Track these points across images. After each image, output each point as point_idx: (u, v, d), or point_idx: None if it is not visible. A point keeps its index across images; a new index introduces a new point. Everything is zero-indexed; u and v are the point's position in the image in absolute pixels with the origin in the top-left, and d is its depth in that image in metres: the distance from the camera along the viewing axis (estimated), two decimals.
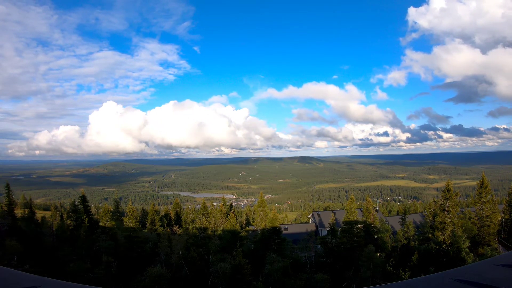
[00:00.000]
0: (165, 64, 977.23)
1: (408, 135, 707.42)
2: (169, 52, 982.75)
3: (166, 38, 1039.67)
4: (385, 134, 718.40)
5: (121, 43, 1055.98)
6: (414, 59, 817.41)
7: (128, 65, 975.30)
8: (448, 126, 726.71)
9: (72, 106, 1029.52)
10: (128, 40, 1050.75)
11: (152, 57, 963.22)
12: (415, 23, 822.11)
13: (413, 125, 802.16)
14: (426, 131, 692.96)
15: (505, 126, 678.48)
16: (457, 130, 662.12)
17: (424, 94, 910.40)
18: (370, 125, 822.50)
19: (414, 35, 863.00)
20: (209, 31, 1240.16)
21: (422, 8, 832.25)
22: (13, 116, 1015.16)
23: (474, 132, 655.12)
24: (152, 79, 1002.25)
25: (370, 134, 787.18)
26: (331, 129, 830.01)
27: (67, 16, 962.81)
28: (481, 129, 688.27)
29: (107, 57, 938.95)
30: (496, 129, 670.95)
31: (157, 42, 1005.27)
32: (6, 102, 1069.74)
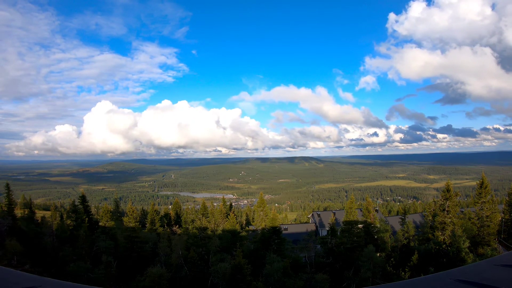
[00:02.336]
0: (164, 67, 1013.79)
1: (401, 135, 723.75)
2: (168, 56, 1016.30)
3: (165, 42, 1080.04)
4: (375, 134, 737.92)
5: (121, 47, 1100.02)
6: (394, 61, 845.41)
7: (128, 68, 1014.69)
8: (437, 127, 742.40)
9: (73, 107, 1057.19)
10: (128, 44, 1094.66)
11: (152, 60, 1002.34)
12: (395, 31, 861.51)
13: (406, 126, 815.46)
14: (415, 131, 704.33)
15: (496, 126, 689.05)
16: (447, 130, 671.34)
17: (411, 96, 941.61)
18: (363, 127, 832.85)
19: (393, 40, 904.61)
20: (206, 35, 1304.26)
21: (402, 16, 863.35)
22: (14, 117, 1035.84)
23: (466, 133, 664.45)
24: (152, 81, 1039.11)
25: (360, 135, 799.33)
26: (324, 130, 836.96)
27: (69, 22, 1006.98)
28: (474, 129, 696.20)
29: (107, 60, 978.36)
30: (486, 129, 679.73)
31: (156, 46, 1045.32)
32: (8, 103, 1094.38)
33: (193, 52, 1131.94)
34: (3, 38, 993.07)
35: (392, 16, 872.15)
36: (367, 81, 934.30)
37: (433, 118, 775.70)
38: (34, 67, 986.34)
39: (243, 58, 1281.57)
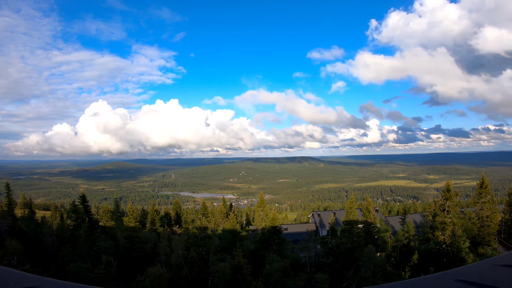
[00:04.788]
0: (164, 69, 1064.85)
1: (394, 136, 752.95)
2: (167, 59, 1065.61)
3: (163, 45, 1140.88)
4: (364, 135, 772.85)
5: (121, 50, 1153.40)
6: (377, 64, 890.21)
7: (128, 70, 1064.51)
8: (425, 128, 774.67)
9: (74, 108, 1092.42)
10: (128, 47, 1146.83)
11: (151, 63, 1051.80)
12: (374, 39, 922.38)
13: (395, 127, 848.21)
14: (406, 132, 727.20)
15: (486, 126, 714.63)
16: (436, 131, 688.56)
17: (398, 97, 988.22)
18: (355, 129, 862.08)
19: (371, 46, 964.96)
20: (202, 38, 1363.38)
21: (382, 23, 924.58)
22: (15, 117, 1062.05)
23: (457, 133, 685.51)
24: (152, 83, 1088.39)
25: (351, 136, 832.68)
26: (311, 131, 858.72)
27: (70, 28, 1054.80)
28: (465, 129, 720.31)
29: (107, 62, 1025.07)
30: (476, 130, 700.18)
31: (155, 50, 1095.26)
32: (10, 104, 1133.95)
33: (192, 55, 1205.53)
34: (7, 43, 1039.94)
35: (373, 22, 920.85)
36: (349, 84, 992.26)
37: (418, 119, 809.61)
38: (36, 70, 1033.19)
39: (241, 59, 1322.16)
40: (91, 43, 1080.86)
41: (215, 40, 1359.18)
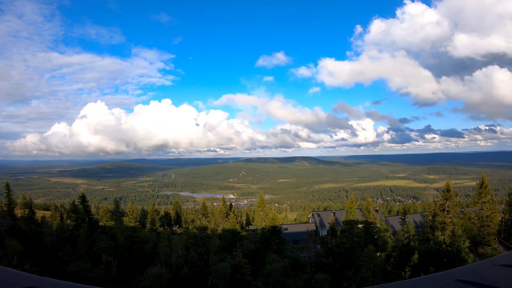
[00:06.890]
0: (163, 72, 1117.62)
1: (388, 136, 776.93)
2: (166, 61, 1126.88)
3: (162, 48, 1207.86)
4: (354, 135, 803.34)
5: (121, 53, 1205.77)
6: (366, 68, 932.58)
7: (128, 72, 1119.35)
8: (414, 128, 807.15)
9: (74, 109, 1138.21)
10: (128, 50, 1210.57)
11: (151, 66, 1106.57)
12: (358, 47, 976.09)
13: (387, 127, 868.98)
14: (397, 132, 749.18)
15: (480, 127, 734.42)
16: (428, 131, 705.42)
17: (388, 99, 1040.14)
18: (349, 130, 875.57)
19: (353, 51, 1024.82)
20: (199, 42, 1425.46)
21: (367, 28, 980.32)
22: (16, 118, 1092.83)
23: (451, 133, 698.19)
24: (151, 84, 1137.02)
25: (343, 136, 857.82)
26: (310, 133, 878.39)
27: (71, 33, 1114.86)
28: (457, 129, 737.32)
29: (107, 65, 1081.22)
30: (468, 130, 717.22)
31: (154, 52, 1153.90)
32: (11, 105, 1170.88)
33: (190, 58, 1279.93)
34: (10, 47, 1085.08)
35: (358, 28, 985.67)
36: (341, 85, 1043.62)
37: (404, 120, 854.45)
38: (37, 72, 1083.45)
39: (240, 60, 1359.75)
40: (92, 46, 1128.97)
41: (213, 43, 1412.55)
